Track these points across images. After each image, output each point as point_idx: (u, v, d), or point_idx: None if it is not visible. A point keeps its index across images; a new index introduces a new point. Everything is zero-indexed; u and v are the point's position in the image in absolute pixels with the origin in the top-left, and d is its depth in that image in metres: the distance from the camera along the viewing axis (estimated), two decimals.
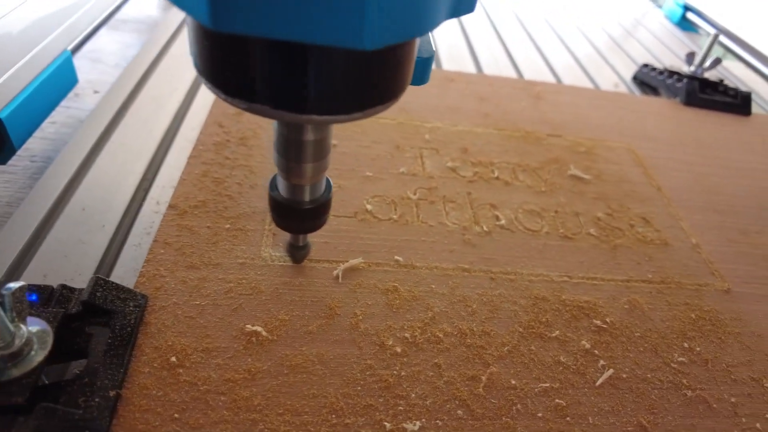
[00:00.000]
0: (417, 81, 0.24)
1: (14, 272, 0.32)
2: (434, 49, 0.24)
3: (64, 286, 0.28)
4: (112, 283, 0.28)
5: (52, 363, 0.26)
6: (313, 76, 0.18)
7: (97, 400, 0.24)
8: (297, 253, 0.32)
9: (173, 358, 0.27)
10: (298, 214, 0.27)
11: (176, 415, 0.25)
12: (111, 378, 0.25)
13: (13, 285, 0.23)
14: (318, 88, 0.18)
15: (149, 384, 0.26)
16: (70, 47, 0.53)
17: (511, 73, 0.67)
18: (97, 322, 0.27)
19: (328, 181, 0.28)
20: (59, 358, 0.26)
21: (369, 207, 0.39)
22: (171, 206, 0.36)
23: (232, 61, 0.18)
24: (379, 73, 0.19)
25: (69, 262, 0.33)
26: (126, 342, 0.27)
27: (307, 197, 0.27)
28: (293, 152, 0.24)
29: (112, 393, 0.24)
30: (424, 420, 0.27)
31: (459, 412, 0.28)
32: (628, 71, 0.75)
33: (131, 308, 0.28)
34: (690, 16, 1.00)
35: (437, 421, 0.27)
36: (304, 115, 0.19)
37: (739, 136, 0.61)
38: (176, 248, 0.33)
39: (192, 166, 0.39)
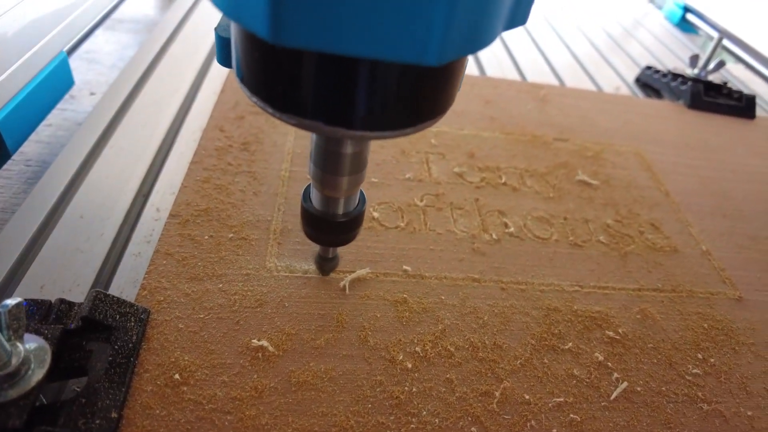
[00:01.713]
0: None
1: (10, 283, 0.31)
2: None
3: (62, 301, 0.27)
4: (113, 297, 0.27)
5: (50, 382, 0.25)
6: (368, 92, 0.17)
7: (98, 421, 0.23)
8: (326, 265, 0.32)
9: (177, 376, 0.26)
10: (331, 226, 0.27)
11: None
12: (112, 398, 0.24)
13: (10, 302, 0.22)
14: (373, 104, 0.18)
15: (152, 403, 0.25)
16: (65, 48, 0.52)
17: (514, 74, 0.66)
18: (97, 338, 0.26)
19: (362, 193, 0.28)
20: (58, 376, 0.25)
21: (375, 214, 0.38)
22: (172, 215, 0.35)
23: (285, 76, 0.17)
24: (435, 88, 0.19)
25: (67, 272, 0.32)
26: (127, 359, 0.26)
27: (340, 210, 0.26)
28: (331, 164, 0.23)
29: (113, 414, 0.23)
30: None
31: (473, 429, 0.27)
32: (630, 72, 0.74)
33: (132, 323, 0.27)
34: (690, 17, 1.00)
35: None
36: (357, 132, 0.18)
37: (745, 139, 0.60)
38: (178, 259, 0.32)
39: (193, 172, 0.38)
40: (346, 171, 0.24)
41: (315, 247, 0.34)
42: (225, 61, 0.26)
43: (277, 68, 0.18)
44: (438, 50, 0.15)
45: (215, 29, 0.26)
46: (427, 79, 0.18)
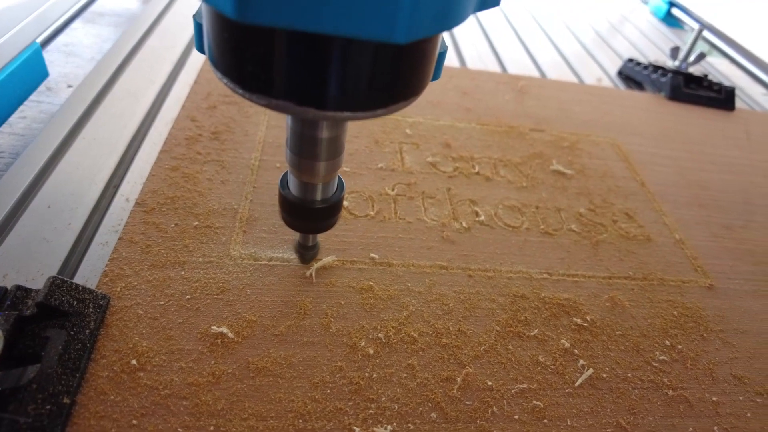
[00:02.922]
0: (432, 77, 0.23)
1: None
2: (446, 44, 0.23)
3: (18, 287, 0.26)
4: (71, 283, 0.27)
5: (4, 369, 0.24)
6: (340, 71, 0.17)
7: (48, 407, 0.23)
8: (306, 253, 0.32)
9: (134, 361, 0.26)
10: (309, 213, 0.26)
11: (134, 422, 0.24)
12: (65, 384, 0.24)
13: None
14: (345, 83, 0.17)
15: (107, 389, 0.25)
16: (39, 39, 0.52)
17: (496, 69, 0.66)
18: (54, 324, 0.26)
19: (340, 180, 0.27)
20: (12, 363, 0.25)
21: (345, 203, 0.38)
22: (138, 203, 0.35)
23: (254, 55, 0.17)
24: (406, 69, 0.19)
25: (32, 262, 0.32)
26: (84, 345, 0.26)
27: (318, 196, 0.26)
28: (307, 149, 0.23)
29: (65, 400, 0.23)
30: (395, 424, 0.26)
31: (432, 415, 0.27)
32: (613, 66, 0.74)
33: (91, 309, 0.27)
34: (675, 12, 1.00)
35: (409, 425, 0.26)
36: (328, 112, 0.18)
37: (724, 130, 0.60)
38: (142, 247, 0.32)
39: (161, 161, 0.38)
40: (323, 156, 0.24)
41: (282, 236, 0.34)
42: (202, 48, 0.26)
43: (245, 47, 0.17)
44: (406, 28, 0.15)
45: (193, 16, 0.26)
46: (397, 58, 0.18)
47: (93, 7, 0.74)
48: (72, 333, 0.26)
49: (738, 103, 0.67)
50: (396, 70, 0.18)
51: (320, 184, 0.26)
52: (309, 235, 0.30)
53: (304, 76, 0.17)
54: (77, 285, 0.27)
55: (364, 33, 0.15)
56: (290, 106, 0.18)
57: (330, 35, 0.16)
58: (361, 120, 0.19)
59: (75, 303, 0.27)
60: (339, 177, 0.27)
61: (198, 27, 0.25)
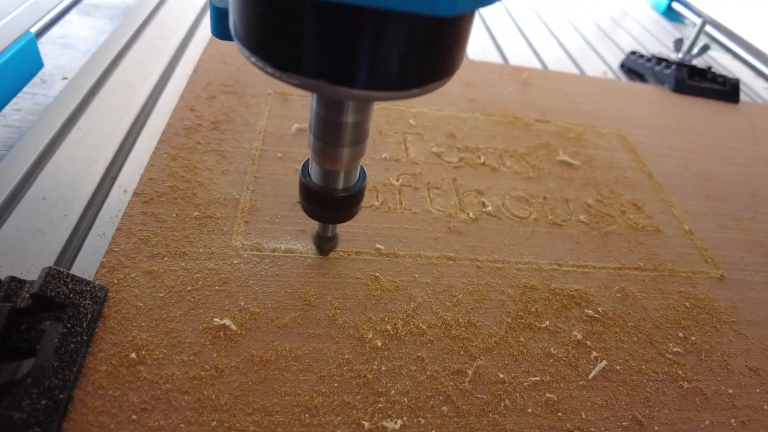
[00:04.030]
0: None
1: None
2: None
3: (12, 278, 0.25)
4: (67, 274, 0.26)
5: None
6: (377, 47, 0.16)
7: (44, 402, 0.22)
8: (325, 244, 0.31)
9: (133, 355, 0.25)
10: (330, 202, 0.26)
11: (134, 417, 0.23)
12: (61, 378, 0.23)
13: None
14: (380, 61, 0.17)
15: (106, 383, 0.24)
16: (34, 29, 0.50)
17: (499, 62, 0.65)
18: (50, 317, 0.25)
19: (362, 169, 0.27)
20: (6, 357, 0.24)
21: None
22: (137, 193, 0.33)
23: (288, 31, 0.16)
24: (444, 45, 0.18)
25: (26, 254, 0.31)
26: (81, 338, 0.25)
27: (340, 185, 0.25)
28: (330, 135, 0.23)
29: (61, 395, 0.22)
30: (405, 418, 0.25)
31: (443, 408, 0.26)
32: (615, 60, 0.74)
33: (88, 301, 0.26)
34: (675, 5, 0.99)
35: (420, 419, 0.25)
36: (362, 92, 0.17)
37: (729, 123, 0.60)
38: (140, 237, 0.31)
39: (160, 151, 0.37)
40: (347, 142, 0.23)
41: (285, 227, 0.33)
42: (219, 32, 0.25)
43: (279, 23, 0.17)
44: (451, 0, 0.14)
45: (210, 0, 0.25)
46: (437, 33, 0.17)
47: None
48: (69, 325, 0.25)
49: (742, 96, 0.66)
50: (435, 47, 0.17)
51: (342, 171, 0.25)
52: (329, 225, 0.29)
53: (339, 53, 0.16)
54: (74, 276, 0.26)
55: (408, 5, 0.14)
56: (323, 85, 0.17)
57: (371, 8, 0.15)
58: (394, 100, 0.19)
59: (71, 294, 0.26)
60: (361, 166, 0.27)
61: (215, 11, 0.24)
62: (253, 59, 0.18)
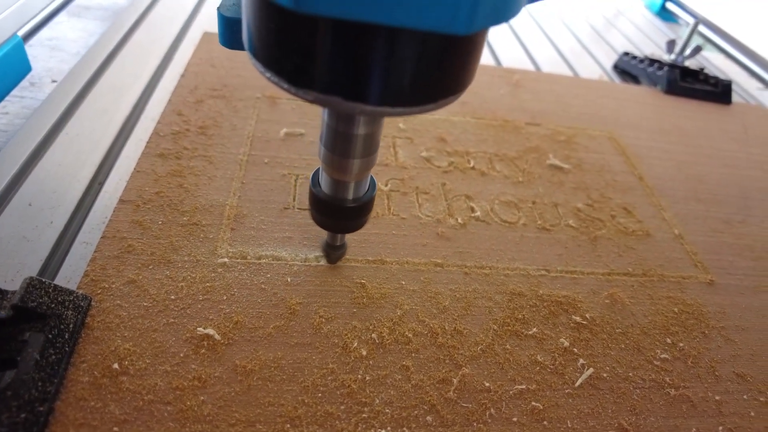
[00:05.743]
0: None
1: None
2: None
3: None
4: (49, 283, 0.26)
5: None
6: (393, 64, 0.16)
7: (23, 415, 0.21)
8: (333, 253, 0.31)
9: (116, 365, 0.25)
10: (340, 212, 0.26)
11: (115, 429, 0.23)
12: (42, 390, 0.23)
13: None
14: (396, 77, 0.17)
15: (87, 395, 0.23)
16: (23, 31, 0.50)
17: (491, 64, 0.65)
18: (32, 328, 0.25)
19: (372, 179, 0.27)
20: None
21: None
22: (122, 200, 0.33)
23: (304, 47, 0.16)
24: (459, 61, 0.18)
25: (10, 261, 0.31)
26: (63, 349, 0.24)
27: (350, 195, 0.26)
28: (341, 146, 0.23)
29: (41, 408, 0.22)
30: (389, 428, 0.25)
31: (428, 418, 0.26)
32: (609, 61, 0.74)
33: (70, 311, 0.26)
34: (669, 6, 0.99)
35: (404, 429, 0.25)
36: (377, 108, 0.17)
37: (721, 124, 0.60)
38: (125, 245, 0.30)
39: (147, 156, 0.37)
40: (357, 153, 0.23)
41: (271, 233, 0.33)
42: (228, 42, 0.25)
43: (294, 39, 0.17)
44: (468, 18, 0.14)
45: (218, 9, 0.25)
46: (452, 50, 0.17)
47: (78, 0, 0.73)
48: (50, 336, 0.24)
49: (734, 98, 0.66)
50: (450, 63, 0.18)
51: (353, 182, 0.25)
52: (337, 234, 0.29)
53: (355, 70, 0.16)
54: (56, 286, 0.26)
55: (424, 24, 0.14)
56: (338, 101, 0.17)
57: (388, 26, 0.15)
58: (408, 116, 0.19)
59: (53, 305, 0.25)
60: (371, 176, 0.27)
61: (224, 20, 0.24)
62: (268, 74, 0.18)
